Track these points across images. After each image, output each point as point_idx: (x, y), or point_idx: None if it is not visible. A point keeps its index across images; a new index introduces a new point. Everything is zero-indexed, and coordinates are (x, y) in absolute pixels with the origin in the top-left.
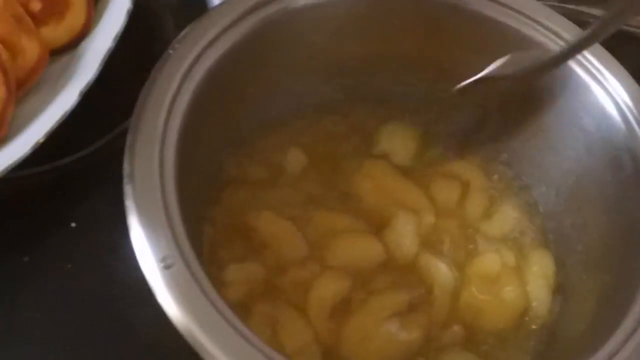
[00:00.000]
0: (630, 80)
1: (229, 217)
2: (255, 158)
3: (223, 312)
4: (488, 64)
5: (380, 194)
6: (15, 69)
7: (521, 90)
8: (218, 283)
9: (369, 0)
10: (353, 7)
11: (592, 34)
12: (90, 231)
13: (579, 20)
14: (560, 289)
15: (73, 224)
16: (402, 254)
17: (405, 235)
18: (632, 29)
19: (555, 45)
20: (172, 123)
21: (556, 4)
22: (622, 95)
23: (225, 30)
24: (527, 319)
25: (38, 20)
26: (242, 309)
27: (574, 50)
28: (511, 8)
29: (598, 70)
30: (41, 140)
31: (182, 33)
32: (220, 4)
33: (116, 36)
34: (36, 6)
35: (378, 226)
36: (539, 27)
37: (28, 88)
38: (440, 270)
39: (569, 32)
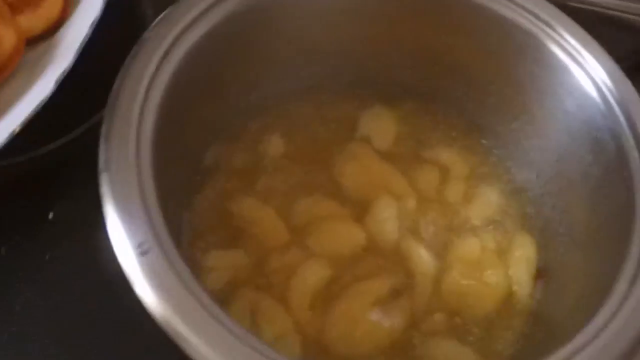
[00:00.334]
0: (609, 61)
1: (210, 205)
2: (237, 145)
3: (201, 299)
4: (473, 46)
5: (362, 179)
6: None
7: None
8: (199, 270)
9: None
10: None
11: None
12: (68, 222)
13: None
14: (542, 272)
15: (51, 215)
16: (384, 239)
17: (386, 220)
18: (610, 12)
19: (531, 25)
20: (149, 110)
21: None
22: (601, 75)
23: (202, 13)
24: (510, 302)
25: (14, 8)
26: (224, 295)
27: None
28: None
29: (577, 50)
30: (17, 130)
31: (159, 17)
32: None
33: (93, 23)
34: None
35: (360, 211)
36: (516, 7)
37: (4, 78)
38: (422, 256)
39: (546, 12)
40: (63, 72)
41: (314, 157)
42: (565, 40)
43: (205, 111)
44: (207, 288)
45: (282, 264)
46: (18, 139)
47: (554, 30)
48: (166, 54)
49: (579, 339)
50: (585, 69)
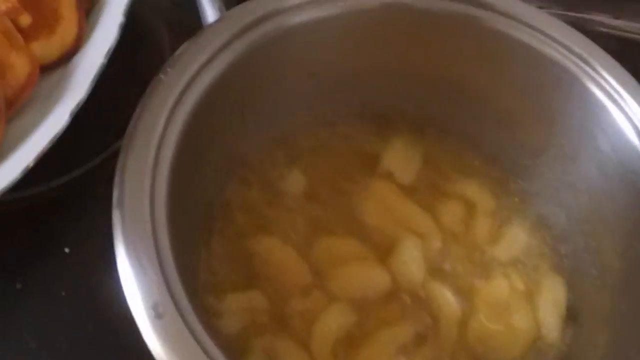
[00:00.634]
0: None
1: (228, 243)
2: (255, 181)
3: None
4: (496, 76)
5: (385, 217)
6: (4, 87)
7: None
8: (216, 313)
9: (370, 14)
10: (353, 22)
11: None
12: (84, 257)
13: (583, 28)
14: (572, 316)
15: (66, 249)
16: (409, 281)
17: (411, 261)
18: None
19: (563, 58)
20: (165, 149)
21: (560, 12)
22: None
23: (219, 50)
24: (538, 347)
25: (27, 35)
26: (241, 341)
27: None
28: (520, 21)
29: (613, 87)
30: (31, 165)
31: (174, 55)
32: (215, 23)
33: (108, 52)
34: (26, 20)
35: (384, 251)
36: (547, 40)
37: (17, 108)
38: (447, 299)
39: (578, 44)
40: (78, 104)
41: (336, 193)
42: (601, 75)
43: (223, 148)
44: (223, 335)
45: (303, 308)
46: (32, 170)
47: (588, 64)
48: (183, 92)
49: None
50: (622, 108)
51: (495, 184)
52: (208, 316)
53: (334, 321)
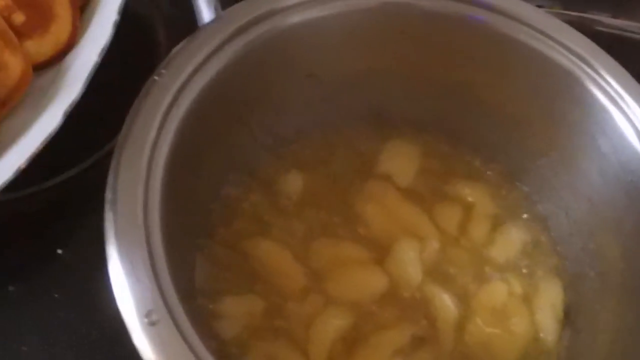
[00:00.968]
0: None
1: (225, 247)
2: (252, 183)
3: None
4: (496, 78)
5: (383, 219)
6: None
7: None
8: (213, 317)
9: (370, 14)
10: (352, 22)
11: None
12: (78, 258)
13: (582, 27)
14: (570, 319)
15: (60, 251)
16: (406, 283)
17: (408, 263)
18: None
19: (564, 59)
20: (159, 151)
21: (559, 10)
22: None
23: (214, 51)
24: (536, 350)
25: (21, 33)
26: (238, 344)
27: None
28: (521, 21)
29: (617, 92)
30: (23, 166)
31: (168, 56)
32: (210, 23)
33: (102, 50)
34: (19, 18)
35: (381, 253)
36: (548, 41)
37: (10, 107)
38: (444, 302)
39: (579, 45)
40: (71, 104)
41: (333, 196)
42: (602, 77)
43: (220, 150)
44: (220, 339)
45: (300, 311)
46: (25, 171)
47: (589, 65)
48: (177, 94)
49: None
50: (623, 110)
51: (494, 186)
52: (205, 320)
53: (331, 324)
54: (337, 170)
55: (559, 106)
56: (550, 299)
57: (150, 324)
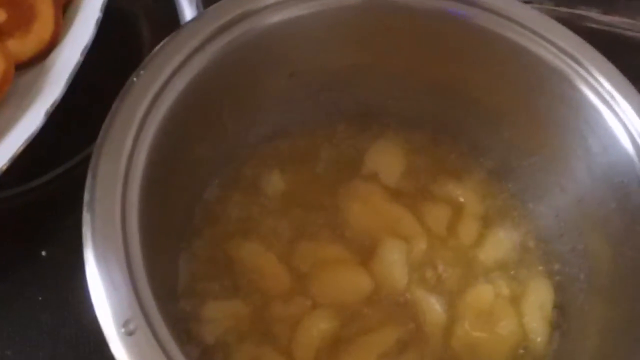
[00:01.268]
0: None
1: (208, 249)
2: (234, 186)
3: None
4: (485, 76)
5: (368, 219)
6: None
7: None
8: (196, 321)
9: (353, 11)
10: (334, 20)
11: None
12: (61, 260)
13: (573, 24)
14: (559, 322)
15: (44, 252)
16: (392, 285)
17: (394, 264)
18: (628, 33)
19: (554, 58)
20: (139, 153)
21: (550, 7)
22: (634, 119)
23: (195, 51)
24: (524, 354)
25: (2, 32)
26: (222, 349)
27: None
28: (510, 19)
29: (607, 91)
30: (4, 168)
31: (147, 57)
32: (191, 21)
33: (85, 48)
34: (1, 17)
35: (367, 254)
36: (538, 39)
37: None
38: (431, 305)
39: (570, 43)
40: (53, 103)
41: (317, 196)
42: (592, 75)
43: (201, 150)
44: (203, 344)
45: (285, 314)
46: (8, 171)
47: (580, 64)
48: (157, 95)
49: None
50: (613, 109)
51: (483, 186)
52: (187, 325)
53: (316, 327)
54: (321, 169)
55: (548, 105)
56: (539, 301)
57: (128, 333)
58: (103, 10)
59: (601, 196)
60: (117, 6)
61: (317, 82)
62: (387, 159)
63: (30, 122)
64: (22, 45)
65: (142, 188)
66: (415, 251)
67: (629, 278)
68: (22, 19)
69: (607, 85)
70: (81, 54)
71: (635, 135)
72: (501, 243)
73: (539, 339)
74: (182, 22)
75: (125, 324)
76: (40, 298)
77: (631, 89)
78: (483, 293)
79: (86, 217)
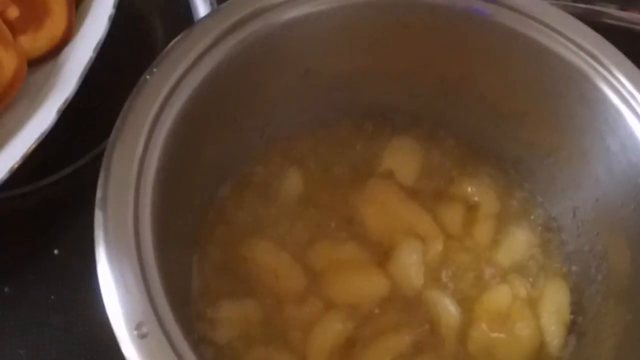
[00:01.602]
0: None
1: (222, 249)
2: (249, 185)
3: None
4: (503, 74)
5: (385, 219)
6: None
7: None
8: (208, 322)
9: (370, 8)
10: (351, 16)
11: None
12: (74, 259)
13: (590, 20)
14: (575, 325)
15: (56, 251)
16: (408, 287)
17: (410, 265)
18: None
19: (573, 55)
20: (152, 151)
21: (567, 3)
22: None
23: (209, 48)
24: (541, 355)
25: (15, 28)
26: (235, 350)
27: None
28: (528, 16)
29: (627, 90)
30: (17, 165)
31: (160, 55)
32: (205, 17)
33: (98, 45)
34: (13, 13)
35: (383, 255)
36: (557, 36)
37: (4, 106)
38: (447, 307)
39: (589, 41)
40: (65, 101)
41: (334, 195)
42: (612, 73)
43: (215, 150)
44: (216, 346)
45: (299, 315)
46: (21, 168)
47: (599, 62)
48: (170, 92)
49: None
50: (633, 108)
51: (501, 186)
52: (200, 326)
53: (330, 329)
54: (337, 169)
55: (567, 104)
56: (556, 303)
57: (140, 336)
58: (116, 7)
59: (620, 196)
60: (130, 2)
61: (332, 81)
62: (403, 158)
63: (42, 120)
64: (35, 42)
65: (155, 187)
66: (432, 252)
67: None
68: (34, 16)
69: (627, 84)
70: (94, 51)
71: None
72: (518, 244)
73: (555, 342)
74: (195, 19)
75: (137, 327)
76: (52, 297)
77: None
78: (500, 295)
79: (98, 216)
